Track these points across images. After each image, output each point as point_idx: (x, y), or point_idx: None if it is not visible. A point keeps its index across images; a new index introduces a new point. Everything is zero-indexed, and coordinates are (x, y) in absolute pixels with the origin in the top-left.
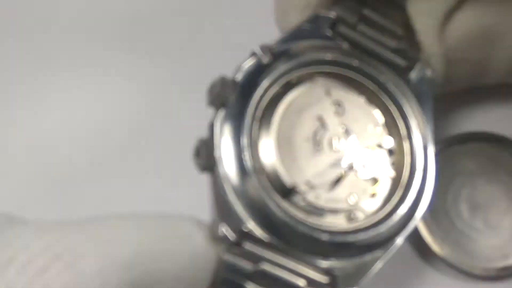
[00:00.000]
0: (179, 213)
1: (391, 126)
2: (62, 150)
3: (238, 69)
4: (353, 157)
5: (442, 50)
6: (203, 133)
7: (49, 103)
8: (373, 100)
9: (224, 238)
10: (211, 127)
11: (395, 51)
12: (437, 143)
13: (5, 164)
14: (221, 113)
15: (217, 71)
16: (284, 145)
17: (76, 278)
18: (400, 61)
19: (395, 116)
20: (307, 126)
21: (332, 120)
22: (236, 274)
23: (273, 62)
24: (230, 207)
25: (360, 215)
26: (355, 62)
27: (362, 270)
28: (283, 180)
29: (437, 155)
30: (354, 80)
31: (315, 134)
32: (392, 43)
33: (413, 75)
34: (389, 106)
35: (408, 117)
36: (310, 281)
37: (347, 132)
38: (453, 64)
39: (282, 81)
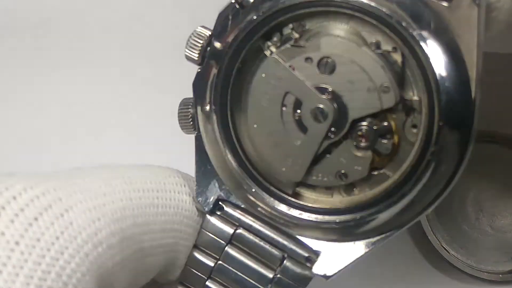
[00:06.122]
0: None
1: (406, 78)
2: (56, 148)
3: (219, 15)
4: (343, 125)
5: None
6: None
7: (44, 101)
8: (383, 43)
9: (202, 207)
10: (194, 87)
11: None
12: None
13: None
14: (203, 70)
15: None
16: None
17: (65, 228)
18: None
19: (412, 64)
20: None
21: (314, 83)
22: (217, 236)
23: (256, 4)
24: (209, 173)
25: (357, 191)
26: None
27: (345, 257)
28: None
29: None
30: (355, 19)
31: (295, 104)
32: None
33: (450, 1)
34: (405, 50)
35: (433, 65)
36: (287, 251)
37: (335, 99)
38: None
39: (263, 28)
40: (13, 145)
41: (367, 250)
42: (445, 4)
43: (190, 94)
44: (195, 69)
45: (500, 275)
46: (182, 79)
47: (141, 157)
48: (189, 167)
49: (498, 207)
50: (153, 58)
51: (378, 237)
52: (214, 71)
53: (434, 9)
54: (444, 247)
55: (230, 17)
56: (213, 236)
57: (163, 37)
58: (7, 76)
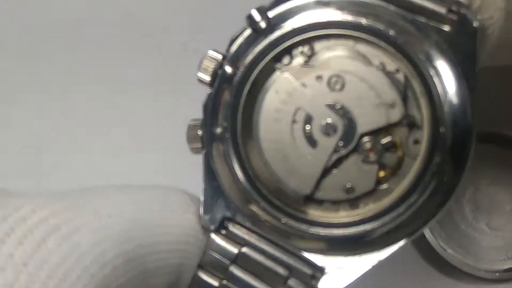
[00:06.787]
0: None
1: (409, 95)
2: (58, 147)
3: (232, 40)
4: (352, 139)
5: None
6: None
7: (46, 103)
8: (388, 64)
9: (207, 226)
10: (205, 106)
11: None
12: None
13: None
14: (213, 91)
15: None
16: (275, 125)
17: (73, 250)
18: (437, 8)
19: (415, 82)
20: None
21: (324, 100)
22: (222, 256)
23: (269, 29)
24: (216, 191)
25: (364, 203)
26: (363, 20)
27: (352, 272)
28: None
29: None
30: (362, 42)
31: (305, 120)
32: None
33: (451, 25)
34: (408, 70)
35: (434, 84)
36: (292, 270)
37: (344, 115)
38: None
39: (275, 50)
40: (14, 146)
41: (374, 263)
42: (446, 29)
43: (190, 97)
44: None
45: (497, 274)
46: (184, 81)
47: (139, 157)
48: (194, 185)
49: (494, 206)
50: (154, 59)
51: (384, 250)
52: (226, 93)
53: (436, 33)
54: (441, 246)
55: (243, 42)
56: (218, 255)
57: (164, 38)
58: (7, 79)
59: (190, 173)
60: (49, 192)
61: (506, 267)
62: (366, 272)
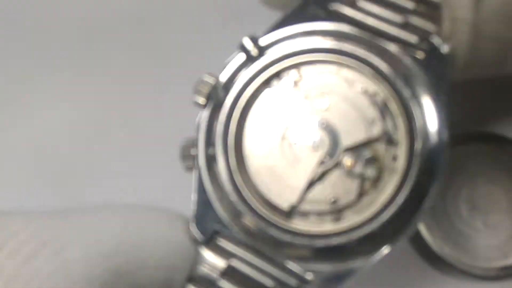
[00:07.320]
0: (162, 207)
1: (387, 115)
2: (61, 149)
3: (225, 64)
4: (336, 154)
5: (474, 16)
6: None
7: (48, 103)
8: (369, 86)
9: (195, 237)
10: (198, 126)
11: (403, 26)
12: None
13: (6, 162)
14: (207, 113)
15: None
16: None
17: (61, 266)
18: (409, 37)
19: (393, 103)
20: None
21: (311, 118)
22: (211, 269)
23: (260, 55)
24: (207, 205)
25: (347, 216)
26: (346, 47)
27: (339, 278)
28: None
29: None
30: (344, 67)
31: (291, 136)
32: (398, 18)
33: (423, 52)
34: (387, 92)
35: (411, 105)
36: (278, 282)
37: (329, 131)
38: (481, 40)
39: (265, 74)
40: (16, 146)
41: (359, 270)
42: (419, 56)
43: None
44: (198, 73)
45: (493, 271)
46: (187, 82)
47: (138, 156)
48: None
49: (490, 205)
50: (150, 59)
51: (368, 258)
52: (218, 115)
53: (411, 59)
54: (438, 244)
55: (236, 67)
56: (207, 269)
57: (168, 40)
58: (11, 78)
59: (184, 182)
60: (39, 210)
61: (502, 264)
62: (350, 281)
